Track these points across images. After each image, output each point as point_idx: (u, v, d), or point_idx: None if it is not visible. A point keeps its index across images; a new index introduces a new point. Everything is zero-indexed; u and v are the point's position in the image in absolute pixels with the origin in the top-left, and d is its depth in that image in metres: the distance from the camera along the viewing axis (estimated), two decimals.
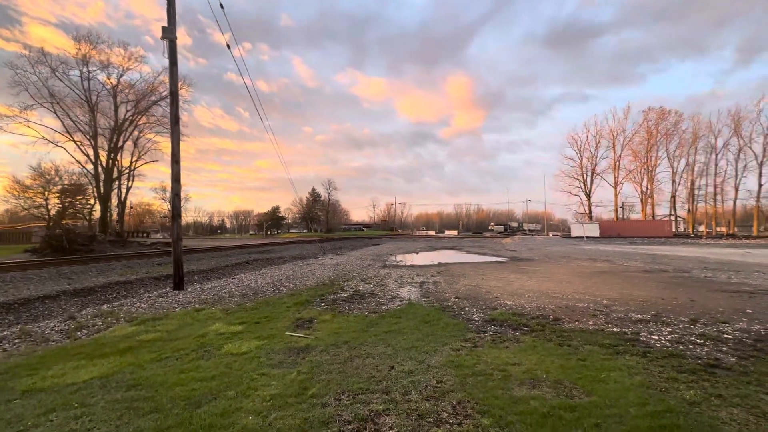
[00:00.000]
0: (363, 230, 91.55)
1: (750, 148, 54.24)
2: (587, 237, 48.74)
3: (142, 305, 7.59)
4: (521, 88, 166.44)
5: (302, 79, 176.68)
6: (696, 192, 60.48)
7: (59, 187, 40.60)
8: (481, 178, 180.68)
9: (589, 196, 66.91)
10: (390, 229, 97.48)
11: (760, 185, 52.99)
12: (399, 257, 21.15)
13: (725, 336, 4.93)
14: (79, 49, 32.48)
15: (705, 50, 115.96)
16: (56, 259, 17.09)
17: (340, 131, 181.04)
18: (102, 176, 34.91)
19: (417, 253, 25.29)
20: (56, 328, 5.84)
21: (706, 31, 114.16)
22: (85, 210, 41.75)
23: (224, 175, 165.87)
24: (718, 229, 59.46)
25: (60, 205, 40.16)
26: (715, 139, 57.74)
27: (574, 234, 53.66)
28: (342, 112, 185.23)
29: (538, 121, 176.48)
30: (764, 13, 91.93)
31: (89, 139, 33.87)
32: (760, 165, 52.82)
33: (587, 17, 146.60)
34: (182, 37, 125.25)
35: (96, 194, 35.98)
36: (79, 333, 5.62)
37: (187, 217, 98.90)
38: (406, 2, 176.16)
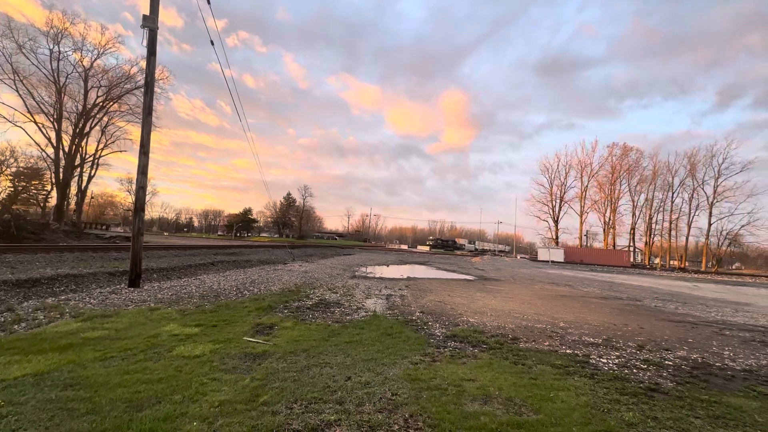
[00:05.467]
0: (336, 239, 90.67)
1: (702, 189, 58.61)
2: (552, 261, 50.58)
3: (92, 301, 7.16)
4: (511, 111, 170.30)
5: (292, 79, 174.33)
6: (653, 226, 64.52)
7: (13, 169, 38.05)
8: (461, 196, 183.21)
9: (556, 222, 69.68)
10: (363, 240, 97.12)
11: (710, 224, 57.17)
12: (369, 269, 21.09)
13: (666, 362, 5.23)
14: (52, 25, 30.89)
15: (688, 91, 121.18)
16: (1, 245, 15.85)
17: (325, 136, 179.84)
18: (63, 162, 32.90)
19: (387, 265, 25.32)
20: None
21: (692, 73, 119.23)
22: (40, 196, 39.26)
23: (198, 171, 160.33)
24: (671, 262, 63.33)
25: (12, 189, 37.54)
26: (672, 178, 62.03)
27: (540, 258, 55.57)
28: (329, 117, 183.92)
29: (523, 145, 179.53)
30: (747, 61, 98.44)
31: (53, 122, 31.98)
32: (711, 206, 57.04)
33: (579, 49, 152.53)
34: (173, 19, 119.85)
35: (54, 180, 33.81)
36: (16, 326, 5.22)
37: (153, 212, 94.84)
38: (404, 14, 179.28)
